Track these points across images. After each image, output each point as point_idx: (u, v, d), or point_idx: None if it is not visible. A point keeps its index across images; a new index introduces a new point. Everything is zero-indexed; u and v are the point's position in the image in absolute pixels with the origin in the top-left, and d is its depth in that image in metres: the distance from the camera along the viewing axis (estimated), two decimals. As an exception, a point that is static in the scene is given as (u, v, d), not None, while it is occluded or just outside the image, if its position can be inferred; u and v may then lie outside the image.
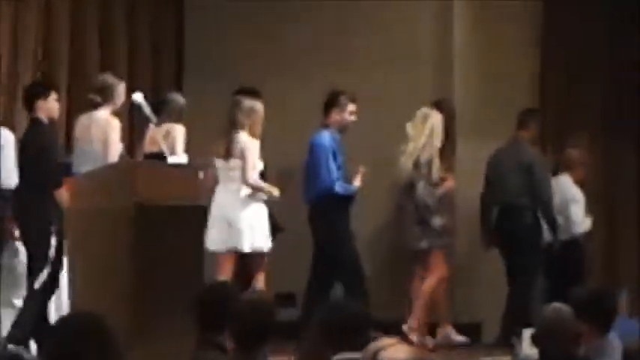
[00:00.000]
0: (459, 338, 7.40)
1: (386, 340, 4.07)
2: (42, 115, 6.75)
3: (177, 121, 6.99)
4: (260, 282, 6.93)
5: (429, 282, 7.10)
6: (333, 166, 7.15)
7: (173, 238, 5.82)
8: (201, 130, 7.48)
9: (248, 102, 7.05)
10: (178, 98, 7.27)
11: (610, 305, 4.99)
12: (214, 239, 6.70)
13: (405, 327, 7.03)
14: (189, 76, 8.75)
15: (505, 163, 7.39)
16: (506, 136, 7.71)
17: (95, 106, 6.77)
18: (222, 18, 8.62)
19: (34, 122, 6.76)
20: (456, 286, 7.77)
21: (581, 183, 7.78)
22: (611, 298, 5.22)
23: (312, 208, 7.21)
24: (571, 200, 7.60)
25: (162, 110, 7.01)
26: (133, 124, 7.75)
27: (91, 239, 5.81)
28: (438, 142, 7.22)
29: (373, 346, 3.89)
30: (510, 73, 8.19)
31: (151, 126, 6.72)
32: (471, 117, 7.92)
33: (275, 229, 7.23)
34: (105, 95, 6.75)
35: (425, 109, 7.22)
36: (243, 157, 6.76)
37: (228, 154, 6.80)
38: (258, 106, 7.11)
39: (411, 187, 7.11)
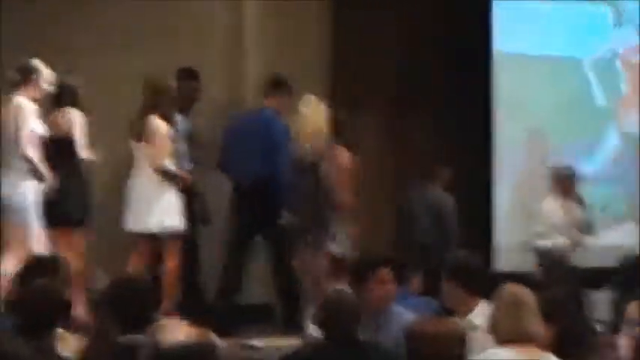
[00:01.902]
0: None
1: (167, 320, 4.50)
2: None
3: (74, 105, 6.98)
4: (170, 264, 7.04)
5: None
6: None
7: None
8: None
9: (157, 83, 7.24)
10: (73, 83, 7.23)
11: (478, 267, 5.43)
12: (129, 220, 6.96)
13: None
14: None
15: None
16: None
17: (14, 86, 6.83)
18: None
19: None
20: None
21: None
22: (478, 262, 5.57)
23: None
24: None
25: (61, 95, 7.04)
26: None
27: None
28: None
29: (155, 326, 4.13)
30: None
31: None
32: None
33: (204, 219, 7.59)
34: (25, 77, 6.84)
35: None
36: (153, 141, 6.83)
37: (140, 138, 6.88)
38: (170, 88, 7.28)
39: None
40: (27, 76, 6.78)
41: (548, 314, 4.75)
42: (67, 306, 4.37)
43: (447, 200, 8.70)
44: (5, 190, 6.74)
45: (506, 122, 9.56)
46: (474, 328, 4.77)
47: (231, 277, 7.38)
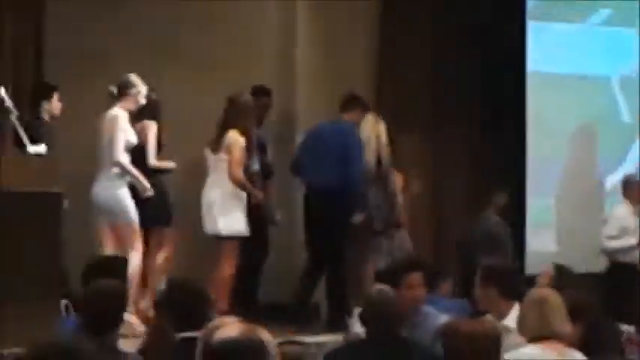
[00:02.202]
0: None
1: (222, 319, 4.52)
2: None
3: (154, 118, 7.48)
4: (229, 266, 7.58)
5: None
6: None
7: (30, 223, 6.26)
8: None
9: (239, 99, 7.79)
10: (153, 96, 7.72)
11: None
12: (205, 223, 7.60)
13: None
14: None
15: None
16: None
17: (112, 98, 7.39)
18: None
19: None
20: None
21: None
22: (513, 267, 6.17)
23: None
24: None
25: (145, 108, 7.53)
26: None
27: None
28: None
29: (211, 324, 4.24)
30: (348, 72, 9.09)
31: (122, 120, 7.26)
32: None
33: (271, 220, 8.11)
34: (123, 93, 7.36)
35: None
36: (231, 153, 7.39)
37: (217, 149, 7.48)
38: (250, 104, 7.83)
39: None
40: (126, 90, 7.29)
41: (575, 313, 5.01)
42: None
43: (502, 228, 9.07)
44: (99, 192, 7.31)
45: (538, 138, 10.01)
46: (508, 331, 5.02)
47: (305, 285, 7.81)
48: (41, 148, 6.87)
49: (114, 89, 7.37)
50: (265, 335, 3.90)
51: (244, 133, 7.48)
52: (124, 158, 7.13)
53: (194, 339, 4.31)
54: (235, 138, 7.37)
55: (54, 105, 7.57)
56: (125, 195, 7.22)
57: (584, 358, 4.84)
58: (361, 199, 7.97)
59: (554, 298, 4.91)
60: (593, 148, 10.30)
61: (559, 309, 4.88)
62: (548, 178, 10.14)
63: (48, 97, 7.63)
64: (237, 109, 7.61)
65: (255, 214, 7.71)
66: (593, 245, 9.51)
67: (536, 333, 4.80)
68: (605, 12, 10.37)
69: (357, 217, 7.90)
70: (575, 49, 10.20)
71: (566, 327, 4.87)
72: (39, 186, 6.43)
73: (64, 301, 6.57)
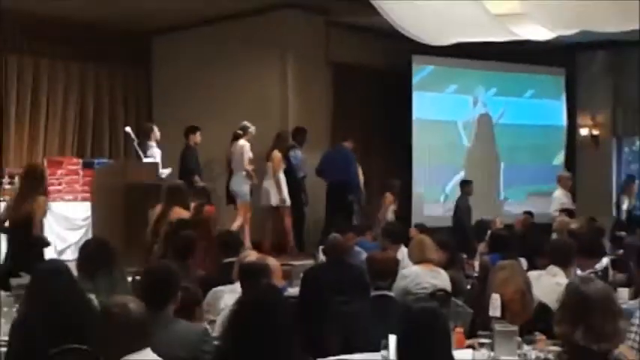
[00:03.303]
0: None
1: (247, 252, 6.34)
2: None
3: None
4: (288, 222, 12.37)
5: None
6: None
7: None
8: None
9: (280, 133, 12.65)
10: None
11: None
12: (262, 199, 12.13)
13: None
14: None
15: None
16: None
17: (237, 137, 11.82)
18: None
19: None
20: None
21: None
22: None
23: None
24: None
25: (238, 135, 11.86)
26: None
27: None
28: None
29: (242, 254, 6.05)
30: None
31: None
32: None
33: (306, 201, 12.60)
34: (244, 132, 11.73)
35: None
36: (273, 163, 12.20)
37: (269, 159, 12.14)
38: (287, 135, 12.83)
39: None
40: (246, 130, 11.84)
41: (441, 247, 7.12)
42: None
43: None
44: (236, 187, 11.78)
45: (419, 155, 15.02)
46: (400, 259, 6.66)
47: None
48: (167, 170, 10.93)
49: (240, 130, 11.87)
50: (271, 260, 5.64)
51: (281, 152, 11.93)
52: (249, 167, 11.58)
53: (233, 262, 6.19)
54: (275, 154, 11.84)
55: (197, 138, 11.98)
56: (247, 186, 11.70)
57: (445, 272, 6.70)
58: (355, 187, 12.51)
59: (427, 239, 7.05)
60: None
61: (431, 245, 6.88)
62: (425, 175, 15.06)
63: (194, 132, 11.90)
64: (276, 140, 12.24)
65: (296, 197, 12.26)
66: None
67: (418, 259, 6.69)
68: (453, 87, 15.83)
69: (352, 197, 12.38)
70: (437, 106, 15.38)
71: (435, 255, 6.82)
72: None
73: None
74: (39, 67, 12.60)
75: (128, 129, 10.70)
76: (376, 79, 14.53)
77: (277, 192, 11.72)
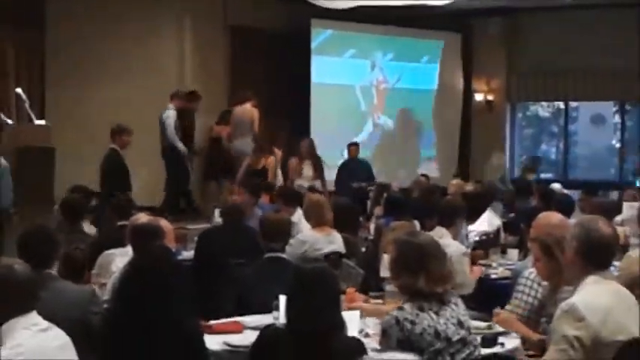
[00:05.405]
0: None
1: (138, 214, 6.06)
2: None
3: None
4: None
5: None
6: None
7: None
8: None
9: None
10: None
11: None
12: None
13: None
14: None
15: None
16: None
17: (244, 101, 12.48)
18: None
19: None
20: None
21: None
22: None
23: None
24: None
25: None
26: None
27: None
28: None
29: (134, 216, 5.94)
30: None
31: None
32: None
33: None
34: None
35: None
36: None
37: None
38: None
39: None
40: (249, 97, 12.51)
41: (337, 209, 7.32)
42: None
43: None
44: (245, 148, 12.20)
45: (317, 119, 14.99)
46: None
47: None
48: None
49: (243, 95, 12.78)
50: (164, 222, 5.56)
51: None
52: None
53: (125, 225, 6.04)
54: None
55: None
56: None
57: (339, 235, 6.92)
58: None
59: (324, 200, 7.40)
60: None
61: (327, 207, 7.15)
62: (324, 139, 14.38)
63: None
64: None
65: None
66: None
67: (315, 222, 6.99)
68: (351, 51, 15.88)
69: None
70: (335, 70, 15.61)
71: (330, 216, 7.07)
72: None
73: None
74: None
75: (19, 90, 10.04)
76: (276, 42, 14.48)
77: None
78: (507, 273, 6.75)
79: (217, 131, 13.30)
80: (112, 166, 10.48)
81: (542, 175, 15.56)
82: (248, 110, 12.41)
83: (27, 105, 9.83)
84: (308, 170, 12.42)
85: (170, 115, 12.00)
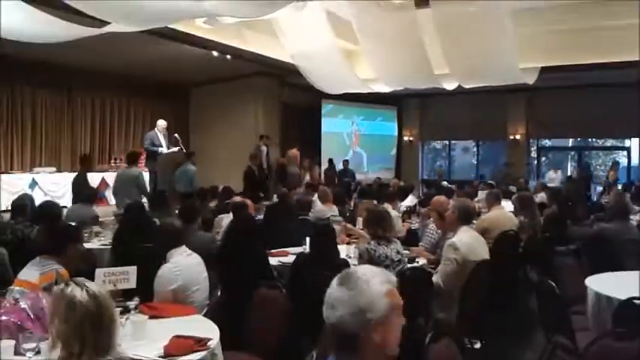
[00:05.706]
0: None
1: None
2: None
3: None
4: None
5: None
6: None
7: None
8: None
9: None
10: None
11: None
12: None
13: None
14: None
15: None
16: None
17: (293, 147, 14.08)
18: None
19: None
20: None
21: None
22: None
23: None
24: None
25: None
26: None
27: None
28: None
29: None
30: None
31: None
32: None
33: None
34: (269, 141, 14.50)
35: None
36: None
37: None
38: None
39: None
40: (294, 145, 14.78)
41: (335, 195, 7.72)
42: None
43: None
44: (292, 171, 12.69)
45: (325, 150, 15.92)
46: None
47: None
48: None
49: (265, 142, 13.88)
50: (248, 200, 6.03)
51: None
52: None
53: (229, 202, 7.05)
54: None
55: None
56: None
57: (335, 206, 7.00)
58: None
59: (329, 190, 8.06)
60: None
61: (330, 192, 7.46)
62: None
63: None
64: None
65: None
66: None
67: (324, 200, 6.75)
68: (341, 115, 15.86)
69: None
70: (333, 125, 16.46)
71: (332, 198, 7.21)
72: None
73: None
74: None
75: (176, 135, 10.34)
76: (304, 111, 16.74)
77: None
78: (418, 226, 7.07)
79: (281, 161, 14.94)
80: (245, 176, 11.52)
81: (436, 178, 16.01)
82: (294, 151, 14.32)
83: (180, 142, 9.72)
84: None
85: (264, 150, 13.47)
